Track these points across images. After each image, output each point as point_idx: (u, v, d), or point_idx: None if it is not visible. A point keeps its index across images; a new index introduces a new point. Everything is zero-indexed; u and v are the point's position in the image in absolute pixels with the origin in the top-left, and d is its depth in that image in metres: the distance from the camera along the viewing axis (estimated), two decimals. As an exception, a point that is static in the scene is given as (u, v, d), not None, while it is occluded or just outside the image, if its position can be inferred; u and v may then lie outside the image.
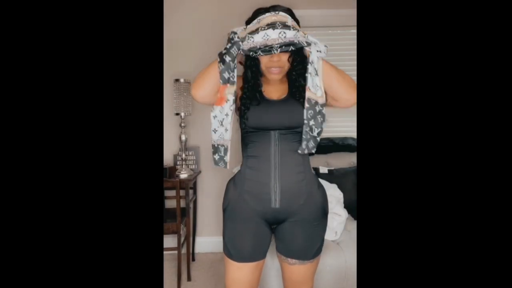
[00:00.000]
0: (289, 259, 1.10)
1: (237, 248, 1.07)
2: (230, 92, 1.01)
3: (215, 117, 1.05)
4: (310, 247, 1.09)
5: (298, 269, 1.10)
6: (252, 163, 1.08)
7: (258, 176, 1.05)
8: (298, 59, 1.05)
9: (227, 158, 1.10)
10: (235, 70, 1.00)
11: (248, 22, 1.02)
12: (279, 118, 1.05)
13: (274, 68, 1.02)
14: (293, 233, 1.07)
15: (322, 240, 1.12)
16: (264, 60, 1.02)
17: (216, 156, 1.10)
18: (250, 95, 1.07)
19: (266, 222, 1.09)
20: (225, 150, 1.09)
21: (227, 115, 1.03)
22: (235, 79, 1.01)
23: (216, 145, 1.09)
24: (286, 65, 1.05)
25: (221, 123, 1.05)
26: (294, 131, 1.06)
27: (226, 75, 0.99)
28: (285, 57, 1.02)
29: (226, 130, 1.06)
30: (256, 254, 1.08)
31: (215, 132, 1.07)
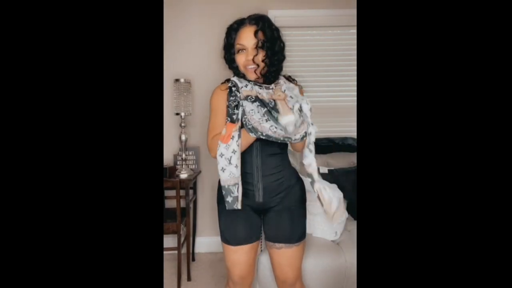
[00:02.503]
0: (276, 244, 1.21)
1: (232, 234, 1.21)
2: (236, 130, 1.06)
3: (221, 155, 1.06)
4: (294, 231, 1.20)
5: (285, 252, 1.21)
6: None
7: (243, 177, 1.15)
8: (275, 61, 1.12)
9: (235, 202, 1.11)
10: (240, 109, 1.07)
11: (228, 33, 1.14)
12: None
13: (250, 66, 1.10)
14: (278, 220, 1.20)
15: (304, 225, 1.24)
16: (241, 61, 1.12)
17: (229, 199, 1.10)
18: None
19: (254, 211, 1.22)
20: (239, 188, 1.09)
21: (234, 152, 1.05)
22: (239, 117, 1.07)
23: (227, 186, 1.09)
24: (261, 65, 1.09)
25: (229, 161, 1.06)
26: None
27: (234, 116, 1.07)
28: (258, 56, 1.09)
29: (236, 166, 1.06)
30: (249, 238, 1.22)
31: (223, 171, 1.07)
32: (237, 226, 1.20)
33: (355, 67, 0.83)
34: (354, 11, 2.24)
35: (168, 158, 2.48)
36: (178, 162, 2.41)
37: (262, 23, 1.09)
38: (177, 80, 2.22)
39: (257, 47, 1.08)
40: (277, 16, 2.44)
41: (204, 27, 2.46)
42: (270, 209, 1.21)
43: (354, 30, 2.46)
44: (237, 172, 1.07)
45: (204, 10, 2.44)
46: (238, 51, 1.12)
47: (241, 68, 1.13)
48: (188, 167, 2.31)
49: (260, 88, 1.11)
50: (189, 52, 2.46)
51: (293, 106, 1.04)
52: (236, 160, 1.06)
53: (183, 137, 2.24)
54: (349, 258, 1.56)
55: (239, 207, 1.11)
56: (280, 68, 1.15)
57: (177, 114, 2.24)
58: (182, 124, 2.26)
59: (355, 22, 2.23)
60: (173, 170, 2.26)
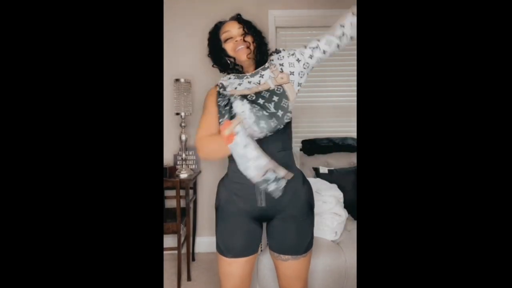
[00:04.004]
0: (282, 255, 1.11)
1: (227, 245, 1.11)
2: (237, 125, 0.98)
3: (238, 155, 0.98)
4: (301, 241, 1.10)
5: (292, 264, 1.11)
6: (237, 166, 1.04)
7: (244, 178, 1.03)
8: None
9: (283, 182, 1.00)
10: (232, 108, 1.02)
11: (212, 33, 1.16)
12: None
13: (240, 46, 1.08)
14: (284, 229, 1.09)
15: (311, 234, 1.14)
16: (230, 47, 1.10)
17: (271, 186, 1.00)
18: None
19: (255, 219, 1.11)
20: (278, 171, 0.99)
21: (246, 146, 0.97)
22: (234, 113, 1.01)
23: (261, 180, 0.99)
24: (252, 46, 1.09)
25: (246, 157, 0.97)
26: (277, 131, 1.04)
27: (227, 115, 1.02)
28: (247, 38, 1.10)
29: (258, 157, 0.97)
30: (246, 250, 1.11)
31: (248, 170, 0.98)
32: (234, 237, 1.10)
33: (355, 67, 0.83)
34: (354, 11, 2.23)
35: (168, 158, 2.48)
36: (178, 162, 2.41)
37: (241, 18, 1.13)
38: (177, 80, 2.22)
39: (243, 33, 1.10)
40: (277, 16, 2.44)
41: (204, 27, 2.44)
42: (274, 216, 1.10)
43: (354, 30, 2.46)
44: (263, 160, 0.97)
45: (204, 10, 2.44)
46: (226, 40, 1.11)
47: (231, 53, 1.10)
48: (188, 167, 2.31)
49: (252, 83, 1.07)
50: (189, 52, 2.46)
51: (298, 83, 1.09)
52: (254, 150, 0.96)
53: (183, 137, 2.24)
54: (349, 258, 1.56)
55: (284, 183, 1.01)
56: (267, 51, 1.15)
57: (177, 114, 2.24)
58: (182, 124, 2.26)
59: (355, 22, 2.22)
60: (173, 170, 2.26)
